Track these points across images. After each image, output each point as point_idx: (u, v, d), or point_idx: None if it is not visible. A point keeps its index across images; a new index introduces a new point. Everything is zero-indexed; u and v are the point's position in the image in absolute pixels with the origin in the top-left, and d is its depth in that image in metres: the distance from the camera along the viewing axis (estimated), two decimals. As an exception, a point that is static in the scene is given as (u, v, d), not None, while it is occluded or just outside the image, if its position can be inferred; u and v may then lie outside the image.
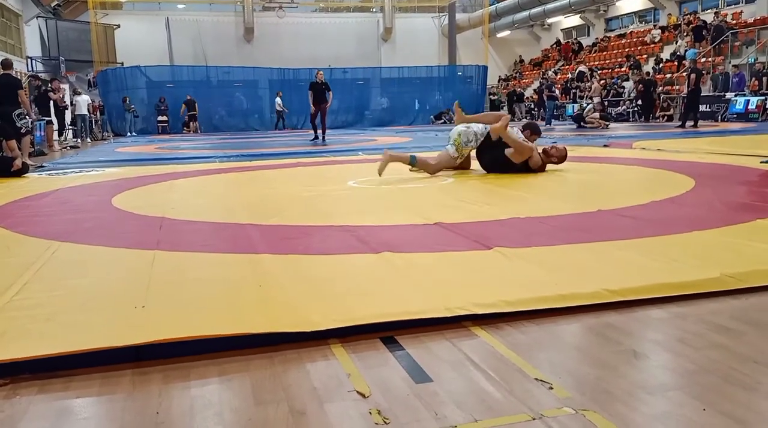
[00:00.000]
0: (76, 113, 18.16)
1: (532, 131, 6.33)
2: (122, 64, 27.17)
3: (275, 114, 23.95)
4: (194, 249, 3.02)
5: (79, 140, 17.73)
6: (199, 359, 1.74)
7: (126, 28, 29.24)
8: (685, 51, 22.48)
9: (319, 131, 14.34)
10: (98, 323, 1.97)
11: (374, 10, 35.20)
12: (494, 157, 5.86)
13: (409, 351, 1.75)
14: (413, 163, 5.99)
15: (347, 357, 1.72)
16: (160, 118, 23.37)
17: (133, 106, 22.40)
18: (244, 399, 1.53)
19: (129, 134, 21.90)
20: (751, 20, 22.11)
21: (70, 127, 17.82)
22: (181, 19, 31.02)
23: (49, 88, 15.24)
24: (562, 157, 6.04)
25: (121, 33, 28.87)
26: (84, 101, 18.36)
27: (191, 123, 23.44)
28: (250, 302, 2.14)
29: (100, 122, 21.54)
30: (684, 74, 17.71)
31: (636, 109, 21.15)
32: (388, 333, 1.86)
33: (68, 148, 15.04)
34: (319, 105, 13.66)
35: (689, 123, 14.99)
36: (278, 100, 23.65)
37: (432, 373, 1.61)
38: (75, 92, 19.06)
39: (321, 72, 14.07)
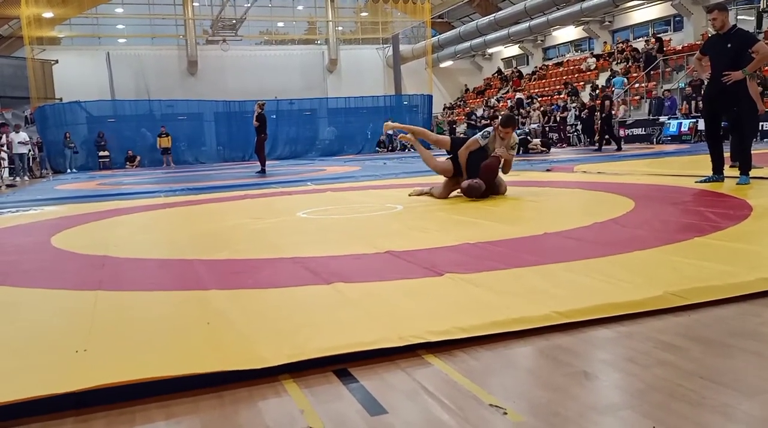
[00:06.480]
0: (13, 152, 17.60)
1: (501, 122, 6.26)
2: (61, 99, 26.47)
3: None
4: (139, 288, 2.93)
5: (16, 178, 17.13)
6: (145, 402, 1.67)
7: (65, 64, 28.58)
8: (612, 78, 23.47)
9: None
10: (35, 369, 1.87)
11: (319, 42, 35.51)
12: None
13: (363, 383, 1.72)
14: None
15: (300, 392, 1.68)
16: (101, 153, 22.84)
17: (73, 143, 21.81)
18: (194, 442, 1.47)
19: (69, 171, 21.28)
20: (679, 47, 23.28)
21: (6, 166, 17.25)
22: (122, 54, 30.58)
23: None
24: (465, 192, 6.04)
25: (60, 68, 28.20)
26: (19, 139, 17.83)
27: (137, 157, 23.03)
28: (198, 340, 2.08)
29: (38, 159, 20.87)
30: (598, 100, 18.28)
31: (576, 133, 21.80)
32: (341, 365, 1.83)
33: (4, 186, 14.49)
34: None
35: (613, 147, 15.46)
36: None
37: (387, 405, 1.59)
38: (15, 130, 18.45)
39: (257, 103, 13.40)
